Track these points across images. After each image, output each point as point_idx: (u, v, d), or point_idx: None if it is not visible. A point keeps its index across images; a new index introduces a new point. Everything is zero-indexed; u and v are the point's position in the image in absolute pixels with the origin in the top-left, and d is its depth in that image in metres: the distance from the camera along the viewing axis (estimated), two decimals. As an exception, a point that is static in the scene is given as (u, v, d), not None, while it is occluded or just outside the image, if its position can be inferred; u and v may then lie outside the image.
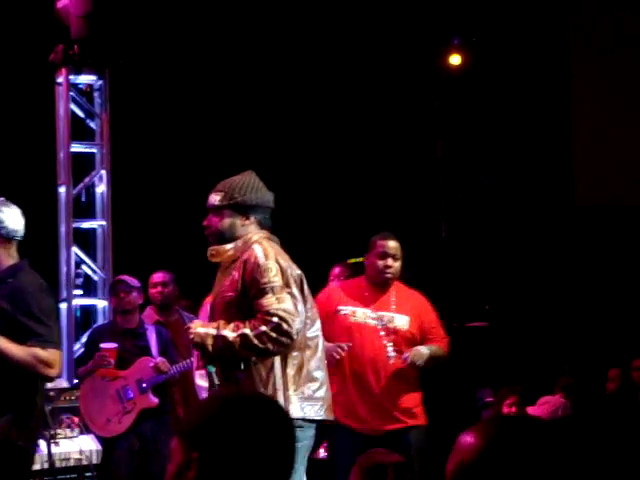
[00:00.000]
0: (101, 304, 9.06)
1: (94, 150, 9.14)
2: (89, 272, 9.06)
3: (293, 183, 9.73)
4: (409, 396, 6.16)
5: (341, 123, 9.87)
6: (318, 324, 4.93)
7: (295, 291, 4.69)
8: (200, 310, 5.75)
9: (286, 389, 4.67)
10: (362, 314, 6.13)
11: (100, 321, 8.93)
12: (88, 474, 6.87)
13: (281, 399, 4.61)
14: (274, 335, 4.54)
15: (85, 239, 9.07)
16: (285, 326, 4.54)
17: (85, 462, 6.58)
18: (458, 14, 9.95)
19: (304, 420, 4.70)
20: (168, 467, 2.24)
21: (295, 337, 4.61)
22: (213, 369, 4.78)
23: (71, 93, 8.94)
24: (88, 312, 9.06)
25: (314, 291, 7.98)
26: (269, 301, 4.58)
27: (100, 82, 9.05)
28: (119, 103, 9.11)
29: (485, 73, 9.98)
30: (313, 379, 4.78)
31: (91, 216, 9.10)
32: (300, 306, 4.68)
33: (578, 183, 10.20)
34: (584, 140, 10.24)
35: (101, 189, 9.10)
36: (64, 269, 8.91)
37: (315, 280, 7.81)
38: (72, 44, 8.68)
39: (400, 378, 6.10)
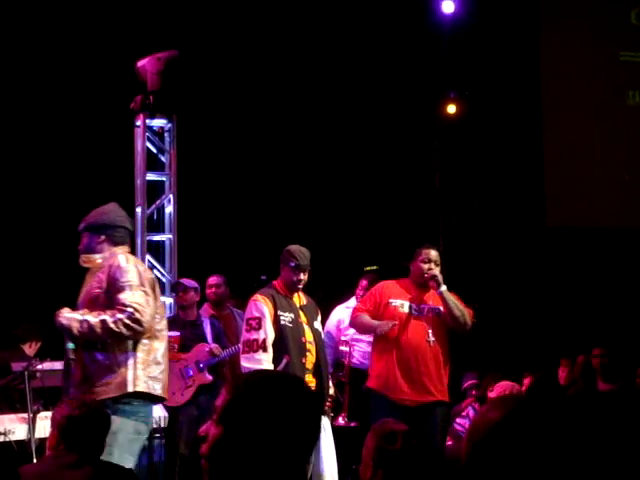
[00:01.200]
0: (168, 301, 8.93)
1: (164, 178, 9.17)
2: (159, 275, 9.03)
3: (315, 206, 9.83)
4: (441, 375, 6.22)
5: (355, 161, 9.88)
6: (165, 320, 4.95)
7: (148, 290, 4.70)
8: None
9: (136, 369, 4.64)
10: (408, 307, 6.24)
11: (166, 315, 9.03)
12: (157, 435, 6.97)
13: (130, 377, 4.62)
14: (128, 322, 4.55)
15: (156, 249, 9.10)
16: (137, 315, 4.56)
17: (154, 426, 6.47)
18: (454, 72, 9.99)
19: (147, 396, 4.70)
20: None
21: (145, 325, 4.61)
22: (72, 346, 4.81)
23: (147, 133, 8.99)
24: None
25: (339, 295, 8.13)
26: (126, 295, 4.60)
27: (170, 125, 9.08)
28: (184, 141, 9.14)
29: (475, 119, 10.03)
30: (158, 363, 4.77)
31: (161, 231, 9.13)
32: (151, 302, 4.69)
33: (549, 206, 10.15)
34: (556, 168, 10.14)
35: (169, 209, 9.13)
36: (139, 273, 9.02)
37: (340, 287, 7.96)
38: (148, 95, 8.73)
39: (436, 360, 6.18)
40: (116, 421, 4.37)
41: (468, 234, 9.92)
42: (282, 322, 5.77)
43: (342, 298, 8.07)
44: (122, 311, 4.58)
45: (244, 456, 1.92)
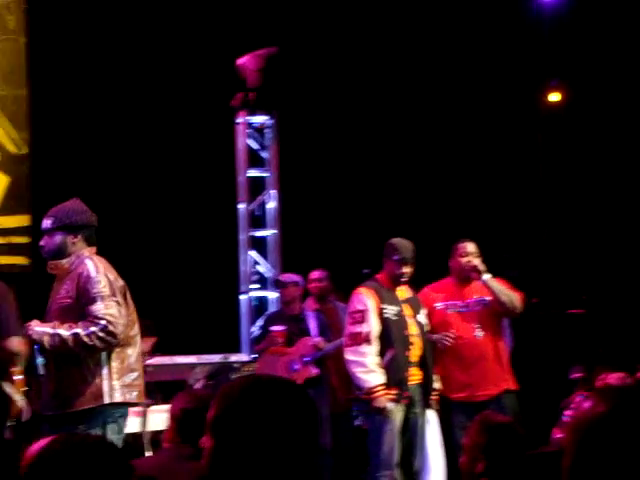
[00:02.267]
0: (272, 295, 9.18)
1: (266, 174, 9.30)
2: (263, 270, 9.24)
3: (418, 199, 9.81)
4: (500, 364, 6.19)
5: (460, 153, 9.83)
6: (137, 326, 4.80)
7: (120, 299, 4.57)
8: None
9: (111, 379, 4.56)
10: (452, 306, 6.25)
11: (271, 309, 9.06)
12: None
13: (106, 387, 4.54)
14: (102, 335, 4.45)
15: (259, 245, 9.25)
16: (111, 327, 4.46)
17: None
18: (556, 59, 9.83)
19: (124, 404, 4.64)
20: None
21: (119, 337, 4.52)
22: (42, 361, 4.67)
23: (248, 130, 9.16)
24: (262, 302, 9.24)
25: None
26: (98, 307, 4.48)
27: (270, 121, 9.22)
28: (285, 137, 9.27)
29: (579, 107, 9.86)
30: (133, 370, 4.68)
31: (264, 226, 9.27)
32: (123, 311, 4.58)
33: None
34: None
35: (271, 205, 9.27)
36: (243, 269, 9.10)
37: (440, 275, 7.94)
38: (248, 92, 8.91)
39: (489, 352, 6.17)
40: (97, 432, 4.36)
41: (574, 225, 9.77)
42: (386, 315, 5.82)
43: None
44: (95, 324, 4.47)
45: (238, 467, 1.85)
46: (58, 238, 4.70)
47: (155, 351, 6.68)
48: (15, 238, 8.81)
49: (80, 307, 4.55)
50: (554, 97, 9.97)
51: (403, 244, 5.97)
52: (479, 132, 9.80)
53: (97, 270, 4.61)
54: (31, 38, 9.01)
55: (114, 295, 4.57)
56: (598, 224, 9.80)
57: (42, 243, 4.77)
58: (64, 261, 4.70)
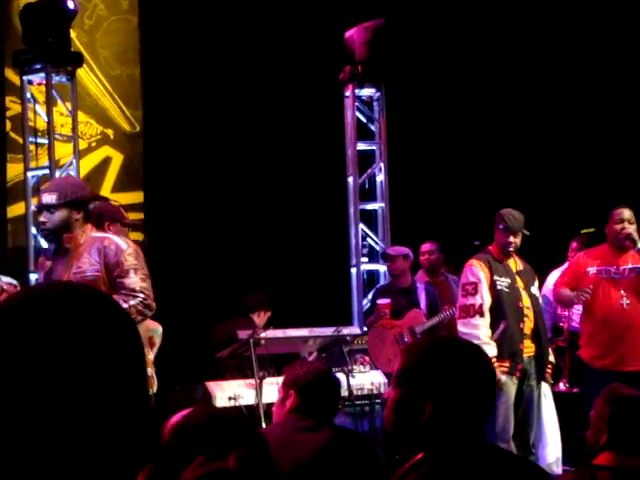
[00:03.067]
0: (382, 268, 9.13)
1: (374, 147, 9.29)
2: (372, 244, 9.23)
3: (531, 169, 9.70)
4: None
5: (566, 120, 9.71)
6: None
7: (147, 271, 4.58)
8: None
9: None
10: (605, 272, 6.18)
11: (381, 282, 9.06)
12: (378, 401, 7.15)
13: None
14: (140, 308, 4.41)
15: (369, 218, 9.25)
16: (149, 300, 4.46)
17: (375, 392, 6.66)
18: None
19: None
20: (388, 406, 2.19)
21: (153, 310, 4.53)
22: None
23: (356, 103, 9.16)
24: (372, 275, 9.24)
25: (556, 259, 8.00)
26: (133, 280, 4.43)
27: (378, 94, 9.20)
28: (394, 110, 9.24)
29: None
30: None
31: (373, 199, 9.27)
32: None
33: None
34: None
35: (380, 178, 9.26)
36: (353, 242, 9.12)
37: (557, 251, 7.87)
38: (357, 65, 8.89)
39: (635, 324, 6.07)
40: None
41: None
42: (499, 287, 5.84)
43: (558, 262, 7.98)
44: (134, 297, 4.43)
45: (423, 417, 2.05)
46: (63, 213, 4.53)
47: (268, 324, 6.81)
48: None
49: (111, 280, 4.48)
50: None
51: (510, 213, 5.96)
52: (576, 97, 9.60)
53: (127, 243, 4.60)
54: (143, 18, 9.25)
55: (143, 268, 4.55)
56: None
57: (43, 219, 4.58)
58: (76, 233, 4.56)
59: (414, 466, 2.03)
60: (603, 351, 6.13)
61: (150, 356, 5.22)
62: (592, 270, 6.21)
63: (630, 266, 6.15)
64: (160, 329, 5.80)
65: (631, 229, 6.10)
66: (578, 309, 7.37)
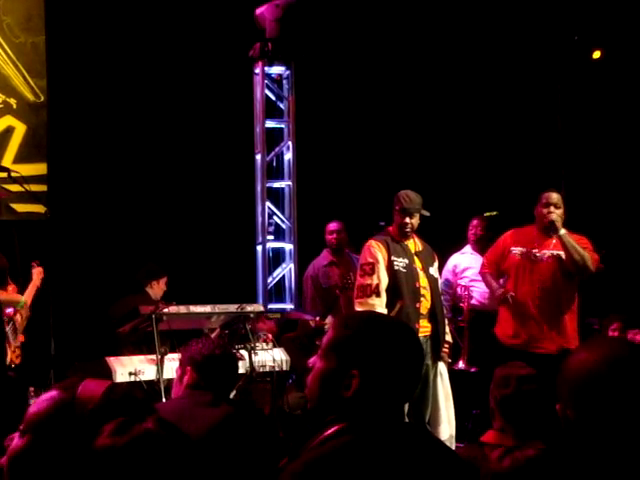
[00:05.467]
0: (288, 247, 9.30)
1: (283, 125, 9.36)
2: (279, 222, 9.33)
3: (434, 151, 9.86)
4: (561, 323, 6.23)
5: (474, 104, 9.80)
6: None
7: None
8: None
9: None
10: (526, 254, 6.30)
11: (287, 260, 9.26)
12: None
13: None
14: None
15: (275, 196, 9.33)
16: None
17: (277, 369, 6.65)
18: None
19: None
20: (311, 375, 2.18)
21: None
22: None
23: (265, 81, 9.21)
24: (278, 253, 9.34)
25: (457, 243, 8.19)
26: None
27: (288, 72, 9.27)
28: (303, 88, 9.31)
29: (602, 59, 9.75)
30: None
31: (280, 178, 9.34)
32: None
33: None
34: None
35: (288, 156, 9.34)
36: (259, 219, 9.21)
37: (458, 234, 8.05)
38: (267, 42, 8.95)
39: (552, 307, 6.22)
40: None
41: (592, 178, 9.79)
42: (396, 267, 5.95)
43: (459, 245, 8.19)
44: None
45: (349, 390, 2.08)
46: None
47: (170, 300, 6.81)
48: (32, 186, 8.97)
49: None
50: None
51: (406, 195, 6.06)
52: (495, 84, 9.77)
53: None
54: (48, -15, 9.08)
55: None
56: (616, 174, 9.80)
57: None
58: None
59: (334, 435, 2.03)
60: (515, 331, 6.31)
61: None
62: (515, 250, 6.34)
63: (550, 252, 6.27)
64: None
65: (557, 214, 6.18)
66: (479, 287, 7.57)
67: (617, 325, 7.23)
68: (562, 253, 6.21)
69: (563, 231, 6.18)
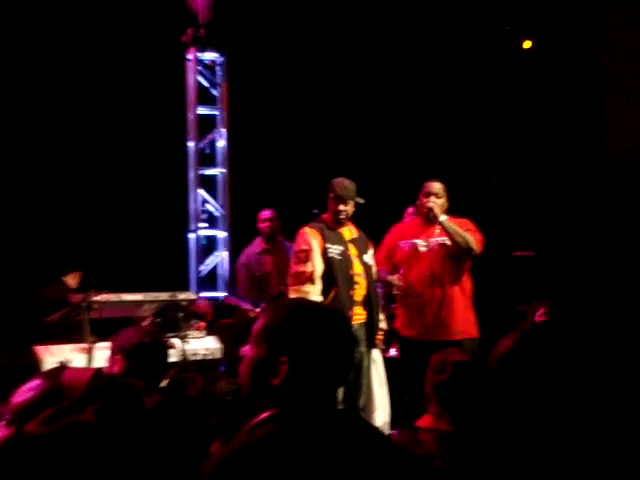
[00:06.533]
0: (221, 235, 9.27)
1: (216, 112, 9.31)
2: (212, 209, 9.30)
3: (370, 138, 9.88)
4: (452, 311, 6.20)
5: (408, 93, 9.85)
6: None
7: None
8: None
9: None
10: (413, 245, 6.31)
11: (220, 248, 9.19)
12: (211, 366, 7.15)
13: None
14: None
15: (209, 183, 9.29)
16: None
17: (209, 357, 6.60)
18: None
19: None
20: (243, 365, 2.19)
21: None
22: None
23: (198, 67, 9.15)
24: (211, 241, 9.31)
25: (389, 226, 8.21)
26: None
27: (221, 58, 9.22)
28: (236, 75, 9.26)
29: (531, 50, 9.84)
30: None
31: (213, 165, 9.31)
32: None
33: (607, 135, 9.97)
34: (615, 97, 9.93)
35: (221, 143, 9.30)
36: (192, 207, 9.16)
37: (393, 217, 8.07)
38: (200, 28, 8.87)
39: (441, 295, 6.20)
40: None
41: (523, 168, 9.90)
42: (330, 254, 5.94)
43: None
44: None
45: (282, 376, 2.09)
46: None
47: (95, 287, 6.69)
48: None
49: None
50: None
51: (341, 182, 6.04)
52: (429, 74, 9.82)
53: None
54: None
55: None
56: (546, 164, 9.91)
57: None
58: None
59: (263, 422, 2.05)
60: (410, 321, 6.30)
61: None
62: (402, 244, 6.36)
63: (436, 239, 6.28)
64: None
65: (436, 203, 6.20)
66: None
67: (543, 311, 7.27)
68: (447, 240, 6.23)
69: (443, 217, 6.21)
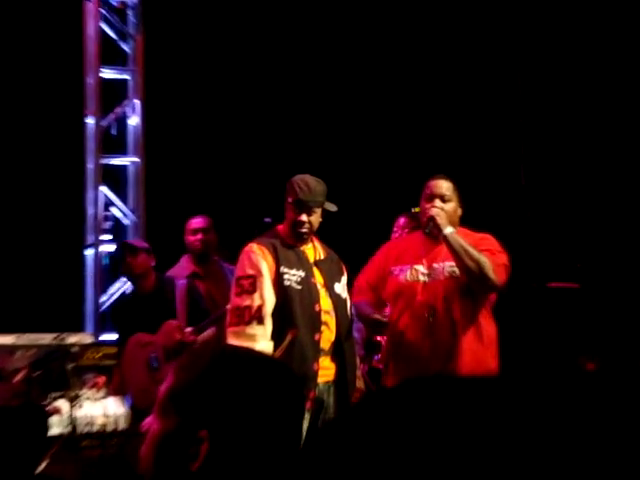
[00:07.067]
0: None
1: (127, 77, 9.34)
2: (119, 215, 9.28)
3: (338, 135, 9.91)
4: (475, 366, 6.02)
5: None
6: None
7: None
8: None
9: None
10: (412, 271, 6.16)
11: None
12: (114, 440, 7.13)
13: None
14: None
15: (115, 178, 9.28)
16: None
17: (110, 427, 6.69)
18: None
19: None
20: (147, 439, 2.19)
21: None
22: None
23: (102, 10, 9.14)
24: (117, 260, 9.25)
25: (372, 244, 8.25)
26: None
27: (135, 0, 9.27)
28: (156, 24, 9.26)
29: None
30: None
31: (122, 152, 9.32)
32: None
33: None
34: None
35: (134, 121, 9.31)
36: (91, 211, 9.13)
37: (379, 232, 8.07)
38: (103, -46, 8.89)
39: (443, 345, 6.06)
40: None
41: (563, 163, 9.99)
42: (286, 282, 5.87)
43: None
44: None
45: (196, 459, 2.07)
46: None
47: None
48: None
49: None
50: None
51: (303, 181, 5.96)
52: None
53: None
54: None
55: None
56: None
57: None
58: None
59: None
60: (403, 377, 6.08)
61: None
62: (395, 270, 6.25)
63: (442, 264, 6.15)
64: None
65: (441, 209, 6.08)
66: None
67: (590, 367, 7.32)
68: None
69: (449, 230, 5.99)
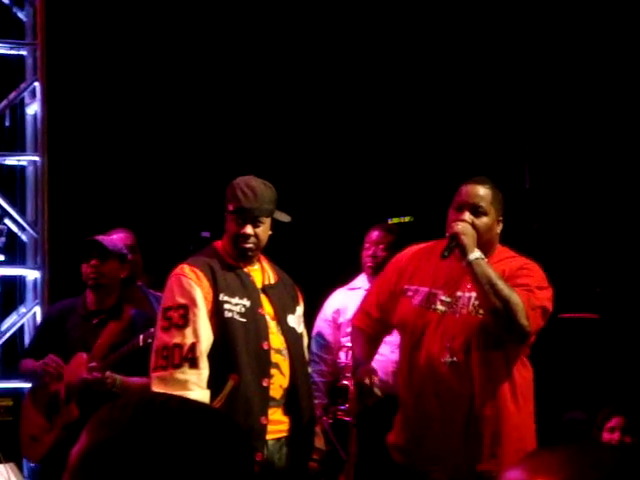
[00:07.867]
0: (31, 275, 9.24)
1: (23, 52, 9.31)
2: (14, 228, 9.20)
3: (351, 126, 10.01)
4: (510, 431, 6.02)
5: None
6: None
7: None
8: None
9: None
10: (430, 298, 6.07)
11: (29, 300, 9.19)
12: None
13: None
14: None
15: (9, 181, 9.25)
16: None
17: None
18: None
19: None
20: None
21: None
22: None
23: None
24: (12, 284, 9.24)
25: (337, 264, 8.35)
26: None
27: (35, -45, 9.23)
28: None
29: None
30: None
31: (19, 148, 9.28)
32: None
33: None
34: None
35: (33, 109, 9.29)
36: (-22, 225, 9.09)
37: (345, 249, 8.17)
38: None
39: (462, 397, 5.99)
40: None
41: (574, 167, 10.13)
42: (227, 314, 5.94)
43: (347, 276, 8.24)
44: None
45: None
46: None
47: None
48: None
49: None
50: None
51: (247, 185, 6.05)
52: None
53: None
54: None
55: None
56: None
57: None
58: None
59: None
60: (406, 439, 6.21)
61: None
62: (410, 291, 6.14)
63: (470, 294, 6.01)
64: None
65: (471, 224, 5.93)
66: (382, 354, 7.55)
67: (616, 423, 7.28)
68: None
69: (475, 254, 5.86)
